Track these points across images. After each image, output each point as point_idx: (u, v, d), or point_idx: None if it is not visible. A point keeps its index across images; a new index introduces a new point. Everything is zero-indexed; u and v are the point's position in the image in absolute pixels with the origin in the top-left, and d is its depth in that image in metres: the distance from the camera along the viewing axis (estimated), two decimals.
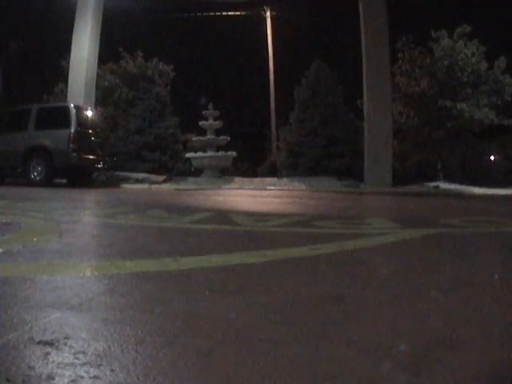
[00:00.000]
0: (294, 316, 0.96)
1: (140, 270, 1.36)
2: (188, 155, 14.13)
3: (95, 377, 0.66)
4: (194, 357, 0.74)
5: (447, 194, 10.32)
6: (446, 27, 17.49)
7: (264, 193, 8.68)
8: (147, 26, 21.72)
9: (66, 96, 12.78)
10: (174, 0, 17.72)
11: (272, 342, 0.81)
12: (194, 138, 14.77)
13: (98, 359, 0.72)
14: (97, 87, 13.33)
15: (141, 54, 17.89)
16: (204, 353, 0.76)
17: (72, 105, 9.74)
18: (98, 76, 13.54)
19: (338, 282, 1.29)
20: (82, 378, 0.66)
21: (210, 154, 13.51)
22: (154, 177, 12.98)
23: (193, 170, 15.17)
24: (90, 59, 12.41)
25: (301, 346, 0.80)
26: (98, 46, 12.66)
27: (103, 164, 10.27)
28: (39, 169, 9.36)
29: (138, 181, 12.28)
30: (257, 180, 13.37)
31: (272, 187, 11.34)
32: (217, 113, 14.09)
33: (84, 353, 0.74)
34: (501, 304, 1.09)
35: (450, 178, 15.73)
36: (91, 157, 9.72)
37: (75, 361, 0.71)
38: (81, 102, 11.03)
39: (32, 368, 0.68)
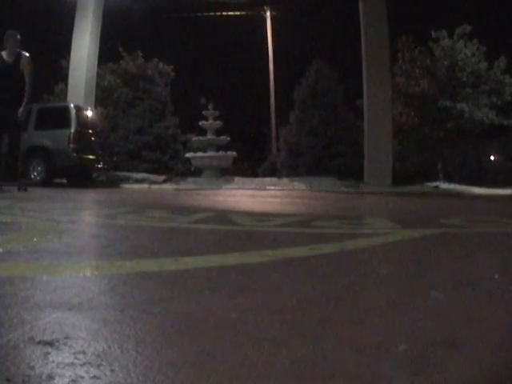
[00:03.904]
0: (294, 316, 0.96)
1: (140, 270, 1.36)
2: (188, 155, 14.13)
3: (95, 377, 0.66)
4: (194, 357, 0.74)
5: (447, 194, 10.32)
6: (446, 27, 17.49)
7: (264, 193, 8.68)
8: (147, 26, 21.74)
9: (66, 96, 12.78)
10: (174, 0, 17.72)
11: (272, 342, 0.81)
12: (194, 138, 14.76)
13: (98, 359, 0.72)
14: (97, 87, 13.32)
15: (141, 53, 17.87)
16: (204, 353, 0.76)
17: (72, 105, 9.73)
18: (98, 76, 13.55)
19: (338, 282, 1.29)
20: (82, 378, 0.66)
21: (210, 153, 13.50)
22: (153, 177, 12.98)
23: (193, 170, 15.17)
24: (90, 59, 12.40)
25: (301, 345, 0.80)
26: (97, 46, 12.65)
27: (103, 164, 10.27)
28: (39, 169, 9.35)
29: (137, 181, 12.28)
30: (257, 180, 13.36)
31: (272, 187, 11.34)
32: (217, 113, 14.09)
33: (84, 353, 0.74)
34: (501, 304, 1.09)
35: (450, 178, 15.72)
36: (91, 157, 9.72)
37: (75, 361, 0.71)
38: (81, 102, 11.02)
39: (32, 368, 0.68)
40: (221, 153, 13.57)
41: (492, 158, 20.32)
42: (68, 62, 13.05)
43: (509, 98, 17.01)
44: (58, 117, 9.44)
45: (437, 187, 12.52)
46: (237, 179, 12.81)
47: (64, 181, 10.43)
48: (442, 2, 20.75)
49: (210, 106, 14.01)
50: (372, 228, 2.65)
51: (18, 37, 5.95)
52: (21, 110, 5.80)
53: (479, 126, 17.07)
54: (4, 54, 5.89)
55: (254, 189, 10.56)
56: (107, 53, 14.80)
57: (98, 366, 0.70)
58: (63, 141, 9.07)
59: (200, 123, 14.03)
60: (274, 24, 22.25)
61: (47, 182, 9.10)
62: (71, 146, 9.05)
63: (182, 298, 1.09)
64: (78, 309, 0.98)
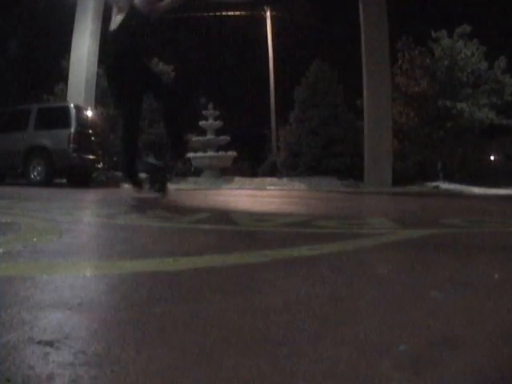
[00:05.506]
0: (294, 316, 0.96)
1: (140, 270, 1.36)
2: (188, 155, 14.13)
3: (95, 377, 0.66)
4: (194, 357, 0.74)
5: (447, 194, 10.33)
6: (446, 27, 17.52)
7: (264, 193, 8.68)
8: None
9: (66, 96, 12.78)
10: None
11: (272, 342, 0.81)
12: (194, 138, 14.78)
13: (98, 359, 0.72)
14: (97, 87, 13.32)
15: None
16: (204, 353, 0.76)
17: (72, 105, 9.74)
18: (98, 76, 13.55)
19: (338, 281, 1.29)
20: (82, 378, 0.66)
21: (210, 154, 13.52)
22: None
23: (193, 170, 15.19)
24: (90, 59, 12.41)
25: (301, 345, 0.80)
26: (97, 46, 12.65)
27: (103, 164, 10.28)
28: (39, 169, 9.36)
29: None
30: (257, 180, 13.37)
31: (272, 187, 11.35)
32: (217, 113, 14.11)
33: (84, 353, 0.74)
34: (501, 304, 1.09)
35: (450, 178, 15.74)
36: (91, 157, 9.73)
37: (75, 361, 0.71)
38: (81, 102, 11.03)
39: (32, 368, 0.68)
40: (221, 153, 13.58)
41: (492, 157, 20.33)
42: (68, 61, 13.07)
43: (509, 98, 17.04)
44: (58, 117, 9.45)
45: (437, 187, 12.54)
46: (237, 179, 12.82)
47: (64, 181, 10.44)
48: (442, 2, 20.77)
49: (210, 106, 14.02)
50: (372, 228, 2.65)
51: None
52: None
53: (479, 125, 17.10)
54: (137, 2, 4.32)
55: (254, 189, 10.57)
56: None
57: (98, 366, 0.70)
58: (63, 141, 9.08)
59: (200, 123, 14.05)
60: (274, 24, 22.27)
61: (47, 182, 9.11)
62: (71, 146, 9.06)
63: (182, 298, 1.09)
64: (78, 309, 0.98)
